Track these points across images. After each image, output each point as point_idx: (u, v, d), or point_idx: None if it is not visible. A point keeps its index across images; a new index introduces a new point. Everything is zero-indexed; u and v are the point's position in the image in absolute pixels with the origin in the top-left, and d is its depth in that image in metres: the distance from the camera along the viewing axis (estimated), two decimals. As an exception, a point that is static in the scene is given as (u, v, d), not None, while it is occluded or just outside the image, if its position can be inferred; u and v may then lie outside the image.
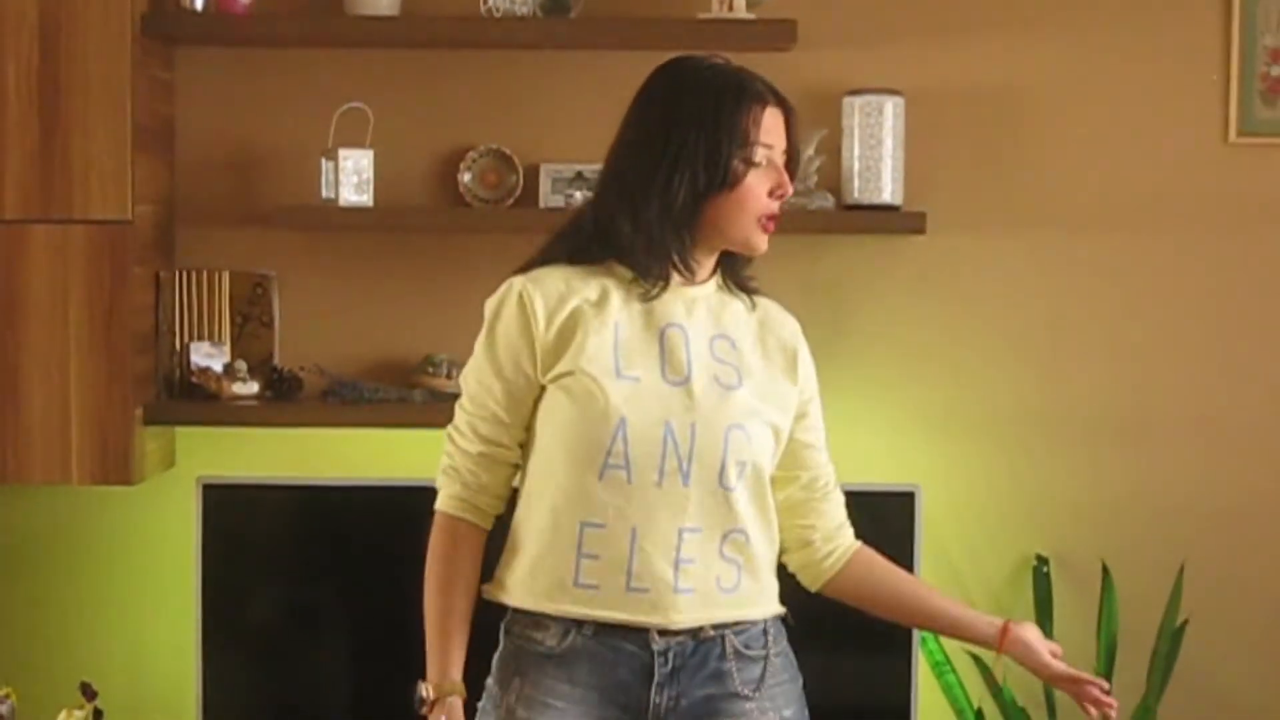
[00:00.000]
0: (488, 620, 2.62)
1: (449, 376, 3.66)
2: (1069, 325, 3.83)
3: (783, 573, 2.69)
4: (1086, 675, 2.68)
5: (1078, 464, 3.83)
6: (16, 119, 3.52)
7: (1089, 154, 3.81)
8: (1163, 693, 3.68)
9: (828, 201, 3.72)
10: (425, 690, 2.57)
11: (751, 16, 3.62)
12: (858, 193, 3.70)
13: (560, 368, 2.53)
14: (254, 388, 3.73)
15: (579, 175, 3.73)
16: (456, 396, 2.65)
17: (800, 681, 2.67)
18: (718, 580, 2.56)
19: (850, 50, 3.78)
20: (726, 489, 2.54)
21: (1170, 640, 3.70)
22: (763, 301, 2.68)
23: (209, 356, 3.76)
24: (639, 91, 2.60)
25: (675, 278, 2.57)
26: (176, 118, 3.83)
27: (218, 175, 3.83)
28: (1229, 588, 3.83)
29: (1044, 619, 3.72)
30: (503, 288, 2.59)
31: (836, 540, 2.72)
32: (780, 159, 2.57)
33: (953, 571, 3.80)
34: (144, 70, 3.60)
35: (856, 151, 3.69)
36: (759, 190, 2.55)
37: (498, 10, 3.68)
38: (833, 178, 3.72)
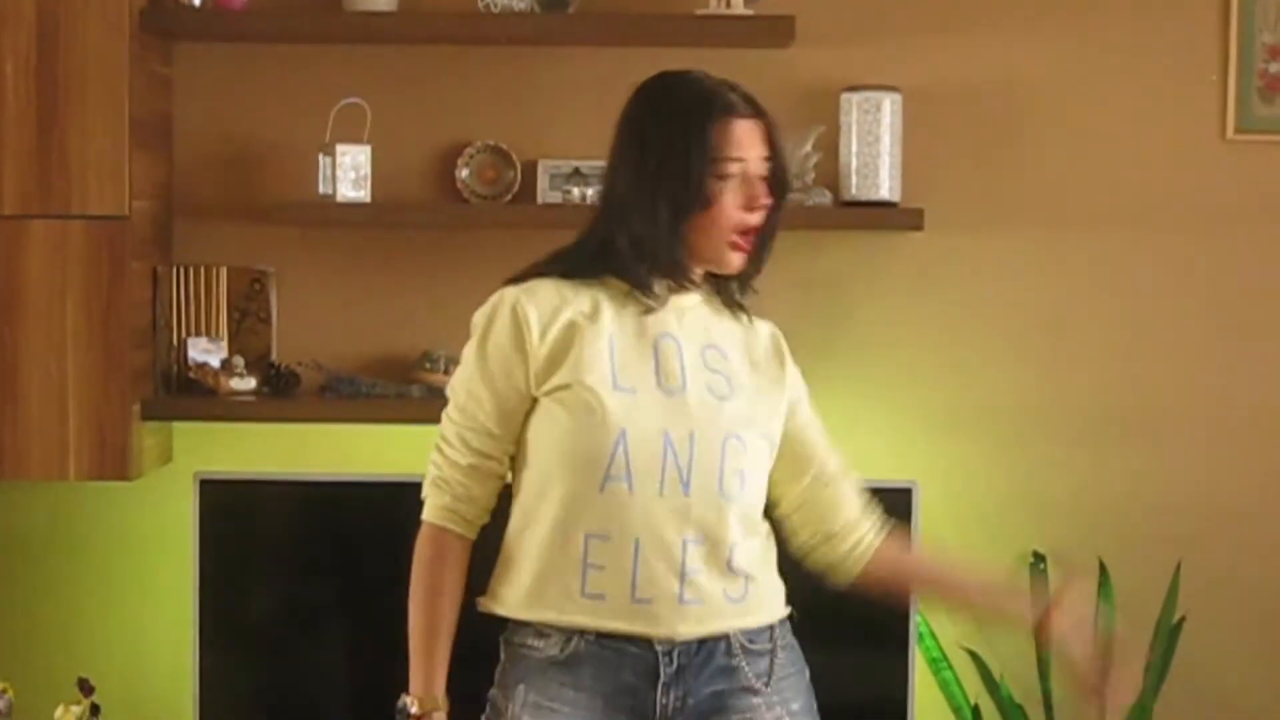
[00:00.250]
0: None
1: (446, 372, 3.66)
2: (1067, 322, 3.83)
3: (783, 573, 2.68)
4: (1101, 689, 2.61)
5: (1075, 461, 3.83)
6: (14, 114, 3.52)
7: (1087, 151, 3.81)
8: (1159, 690, 3.68)
9: (825, 198, 3.72)
10: (411, 704, 2.56)
11: (749, 12, 3.61)
12: (855, 189, 3.70)
13: (556, 380, 2.52)
14: (251, 383, 3.73)
15: (576, 171, 3.73)
16: (454, 392, 2.66)
17: (806, 674, 2.67)
18: (724, 592, 2.55)
19: (848, 47, 3.78)
20: (727, 499, 2.53)
21: (1167, 638, 3.70)
22: (746, 314, 2.68)
23: (206, 352, 3.76)
24: (622, 112, 2.60)
25: (669, 291, 2.57)
26: (174, 113, 3.83)
27: (215, 171, 3.82)
28: (1226, 586, 3.83)
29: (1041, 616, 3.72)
30: (493, 299, 2.58)
31: (859, 531, 2.70)
32: (758, 170, 2.54)
33: (950, 568, 3.80)
34: (142, 66, 3.60)
35: (854, 148, 3.69)
36: (731, 207, 2.53)
37: (495, 6, 3.68)
38: (830, 174, 3.72)
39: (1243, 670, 3.85)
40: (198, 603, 3.64)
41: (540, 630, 2.55)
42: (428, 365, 3.73)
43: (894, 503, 3.57)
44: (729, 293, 2.64)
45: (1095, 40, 3.80)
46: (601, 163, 2.62)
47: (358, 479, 3.68)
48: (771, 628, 2.61)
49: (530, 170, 3.76)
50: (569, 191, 3.68)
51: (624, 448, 2.49)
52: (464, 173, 3.78)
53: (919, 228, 3.68)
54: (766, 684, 2.58)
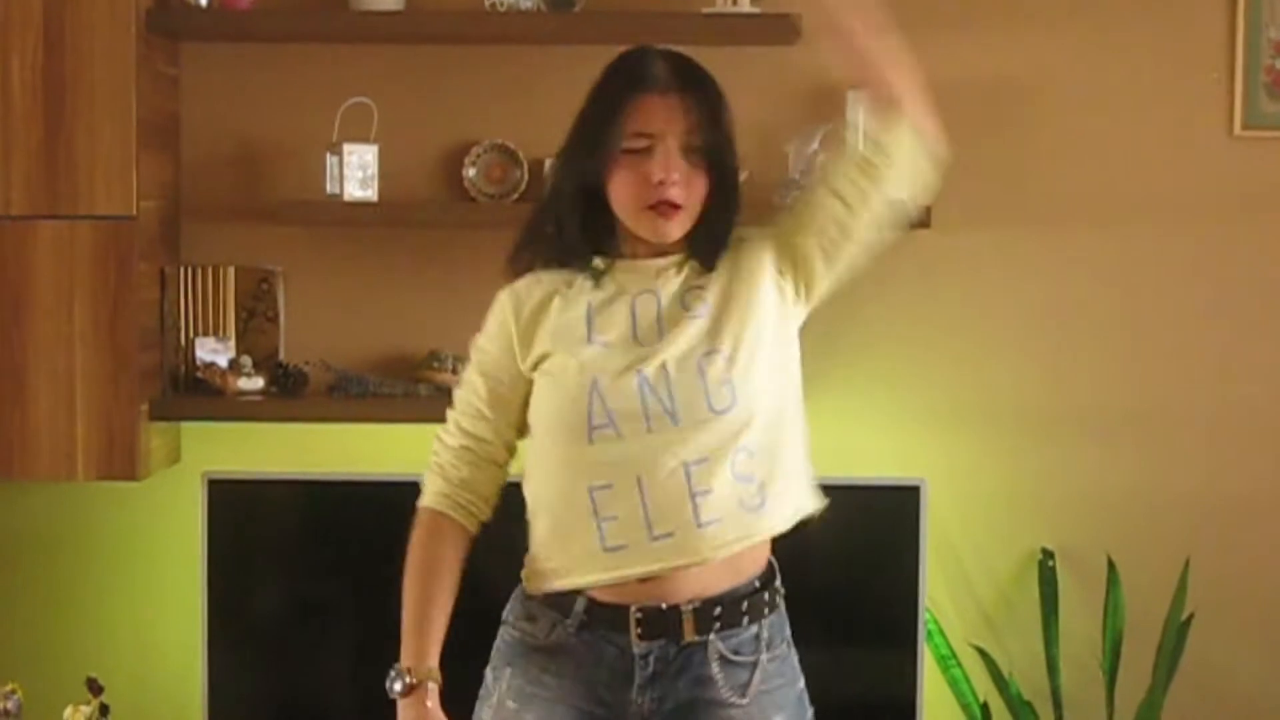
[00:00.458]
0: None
1: (454, 371, 3.66)
2: (1074, 319, 3.82)
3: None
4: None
5: (1083, 458, 3.83)
6: (22, 115, 3.53)
7: (1094, 147, 3.81)
8: (1168, 687, 3.68)
9: (832, 196, 3.71)
10: (405, 674, 2.54)
11: (755, 11, 3.62)
12: (862, 187, 3.68)
13: (537, 349, 2.58)
14: (259, 383, 3.73)
15: (583, 170, 3.72)
16: (461, 391, 2.69)
17: (800, 684, 2.64)
18: (741, 502, 2.52)
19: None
20: (718, 412, 2.52)
21: (1176, 634, 3.70)
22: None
23: (214, 352, 3.76)
24: None
25: (634, 257, 2.60)
26: (181, 113, 3.83)
27: (223, 171, 3.83)
28: (1235, 582, 3.82)
29: (1049, 613, 3.72)
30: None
31: (854, 139, 2.75)
32: (676, 143, 2.54)
33: (958, 566, 3.80)
34: (149, 66, 3.60)
35: (860, 146, 3.67)
36: (633, 179, 2.54)
37: (502, 5, 3.68)
38: (837, 172, 3.71)
39: (1251, 666, 3.84)
40: (206, 602, 3.64)
41: (530, 612, 2.58)
42: (435, 364, 3.73)
43: (902, 500, 3.61)
44: (701, 259, 2.62)
45: (1102, 37, 3.79)
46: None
47: (366, 478, 3.68)
48: (758, 637, 2.58)
49: (537, 169, 3.76)
50: (576, 190, 3.68)
51: (598, 394, 2.52)
52: (471, 172, 3.78)
53: (926, 225, 3.67)
54: (743, 695, 2.56)
